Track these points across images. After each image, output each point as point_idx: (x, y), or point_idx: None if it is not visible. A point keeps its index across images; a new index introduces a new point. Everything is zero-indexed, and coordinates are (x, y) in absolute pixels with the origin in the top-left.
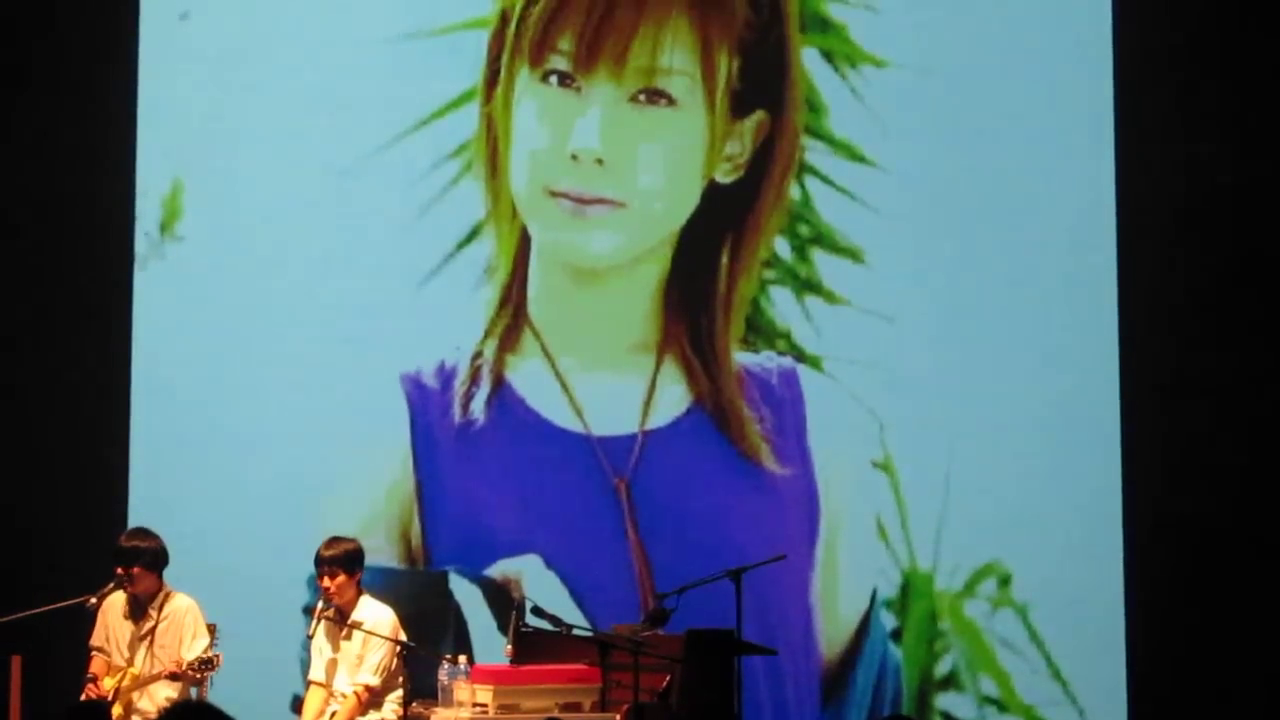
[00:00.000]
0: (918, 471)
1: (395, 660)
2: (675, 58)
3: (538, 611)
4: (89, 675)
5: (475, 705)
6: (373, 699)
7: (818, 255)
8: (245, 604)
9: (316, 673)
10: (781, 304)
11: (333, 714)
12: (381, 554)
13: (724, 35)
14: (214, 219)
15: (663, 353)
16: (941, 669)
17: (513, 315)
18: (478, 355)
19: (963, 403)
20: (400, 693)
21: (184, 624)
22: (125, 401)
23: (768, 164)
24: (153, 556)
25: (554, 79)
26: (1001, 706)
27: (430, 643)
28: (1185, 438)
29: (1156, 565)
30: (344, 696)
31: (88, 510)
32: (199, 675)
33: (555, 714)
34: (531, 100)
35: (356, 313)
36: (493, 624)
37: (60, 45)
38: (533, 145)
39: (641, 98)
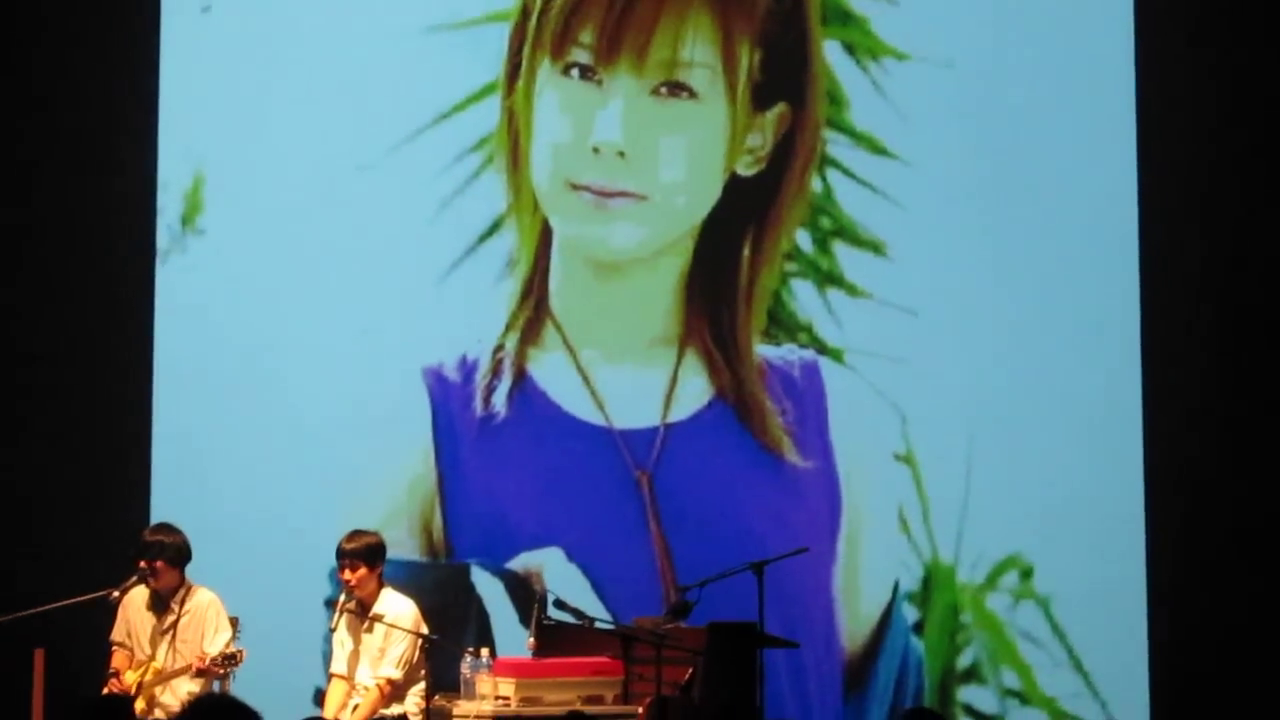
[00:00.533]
0: (939, 464)
1: (417, 653)
2: (697, 50)
3: (560, 604)
4: (110, 670)
5: (497, 698)
6: (395, 692)
7: (839, 248)
8: (267, 597)
9: (338, 666)
10: (803, 297)
11: (354, 707)
12: (403, 547)
13: (745, 28)
14: (236, 213)
15: (684, 345)
16: (963, 662)
17: (534, 308)
18: (499, 348)
19: (984, 395)
20: (422, 685)
21: (206, 618)
22: (147, 395)
23: (789, 157)
24: (176, 551)
25: (575, 72)
26: (1023, 699)
27: (452, 636)
28: (1208, 430)
29: (1178, 557)
30: (366, 689)
31: (110, 504)
32: (223, 670)
33: (578, 707)
34: (553, 93)
35: (378, 306)
36: (515, 617)
37: (82, 39)
38: (554, 138)
39: (663, 90)
